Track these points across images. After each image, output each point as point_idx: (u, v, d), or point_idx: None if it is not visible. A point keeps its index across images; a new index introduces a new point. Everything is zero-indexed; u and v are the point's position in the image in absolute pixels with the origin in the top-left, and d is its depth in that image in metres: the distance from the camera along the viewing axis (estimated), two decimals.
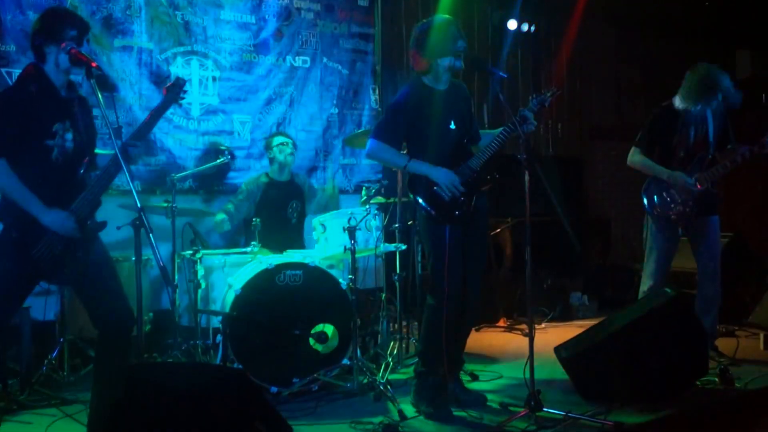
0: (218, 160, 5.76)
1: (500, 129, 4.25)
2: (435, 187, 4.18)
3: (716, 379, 4.62)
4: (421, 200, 4.22)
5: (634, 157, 5.37)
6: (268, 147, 6.04)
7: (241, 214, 5.88)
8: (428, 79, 4.30)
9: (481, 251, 4.45)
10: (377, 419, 4.02)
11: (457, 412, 4.14)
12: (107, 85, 5.77)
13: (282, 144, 5.93)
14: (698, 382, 4.55)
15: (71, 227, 3.47)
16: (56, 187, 3.51)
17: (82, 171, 3.66)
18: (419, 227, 4.43)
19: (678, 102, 5.24)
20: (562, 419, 3.88)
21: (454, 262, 4.16)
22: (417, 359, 4.45)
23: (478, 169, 4.22)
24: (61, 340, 4.91)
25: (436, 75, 4.27)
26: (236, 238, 6.12)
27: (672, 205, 5.22)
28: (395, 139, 4.27)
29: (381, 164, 6.41)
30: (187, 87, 3.74)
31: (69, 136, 3.55)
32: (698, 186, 5.13)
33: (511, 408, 4.20)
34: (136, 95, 6.01)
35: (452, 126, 4.28)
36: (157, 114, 3.66)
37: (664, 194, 5.25)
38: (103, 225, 3.66)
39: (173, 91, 3.67)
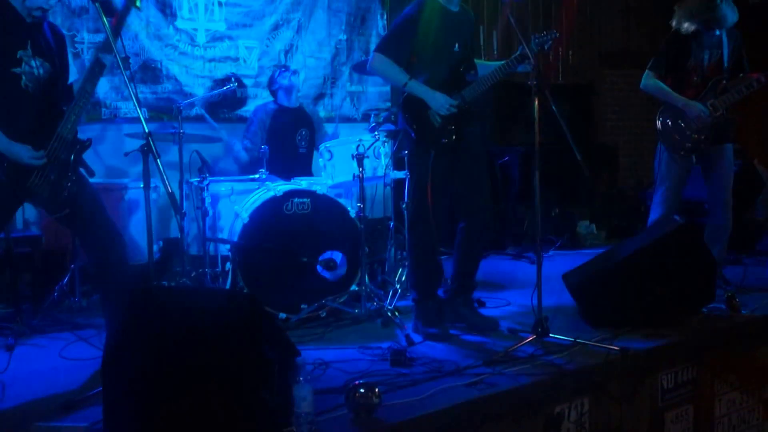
0: (225, 87, 5.70)
1: (501, 62, 4.17)
2: (427, 111, 4.14)
3: (723, 306, 4.64)
4: (408, 123, 4.19)
5: (648, 81, 5.21)
6: (272, 81, 5.89)
7: (257, 145, 5.80)
8: None
9: (477, 176, 4.36)
10: (385, 344, 4.05)
11: (467, 336, 4.19)
12: (112, 11, 5.64)
13: (282, 69, 5.86)
14: (705, 309, 4.58)
15: (38, 162, 3.37)
16: (34, 117, 3.41)
17: (60, 103, 3.54)
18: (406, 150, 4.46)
19: (675, 23, 5.10)
20: (569, 345, 3.92)
21: (421, 189, 4.16)
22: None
23: (470, 100, 4.17)
24: (72, 266, 4.96)
25: None
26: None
27: (687, 133, 5.12)
28: (400, 55, 4.16)
29: (381, 79, 6.28)
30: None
31: (35, 62, 3.42)
32: (714, 112, 5.04)
33: (519, 334, 4.23)
34: (143, 23, 5.90)
35: (456, 49, 4.20)
36: (119, 21, 3.60)
37: (679, 121, 5.14)
38: (88, 142, 3.56)
39: None
